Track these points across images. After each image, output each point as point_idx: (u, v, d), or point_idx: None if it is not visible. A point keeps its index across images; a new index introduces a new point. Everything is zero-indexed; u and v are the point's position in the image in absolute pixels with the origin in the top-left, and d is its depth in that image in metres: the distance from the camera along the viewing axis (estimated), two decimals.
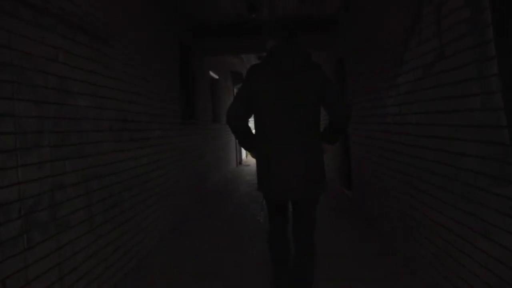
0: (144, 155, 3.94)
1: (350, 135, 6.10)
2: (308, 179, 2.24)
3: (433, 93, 2.81)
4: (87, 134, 2.74)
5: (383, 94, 4.02)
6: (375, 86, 4.36)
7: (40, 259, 2.19)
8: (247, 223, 5.07)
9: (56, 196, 2.37)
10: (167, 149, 4.80)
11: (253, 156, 2.52)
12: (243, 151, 14.60)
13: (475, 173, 2.28)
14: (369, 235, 4.29)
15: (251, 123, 2.40)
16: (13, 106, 2.05)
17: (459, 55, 2.43)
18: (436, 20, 2.69)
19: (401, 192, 3.59)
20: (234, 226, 4.96)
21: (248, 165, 12.80)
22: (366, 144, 4.94)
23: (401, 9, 3.37)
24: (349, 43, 5.73)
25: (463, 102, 2.39)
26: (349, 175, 6.82)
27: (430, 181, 2.92)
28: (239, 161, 13.27)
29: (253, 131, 2.42)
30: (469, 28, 2.30)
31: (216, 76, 9.51)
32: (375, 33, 4.27)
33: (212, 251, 3.97)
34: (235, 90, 13.62)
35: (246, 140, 2.39)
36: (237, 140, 2.44)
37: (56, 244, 2.34)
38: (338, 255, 3.70)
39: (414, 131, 3.20)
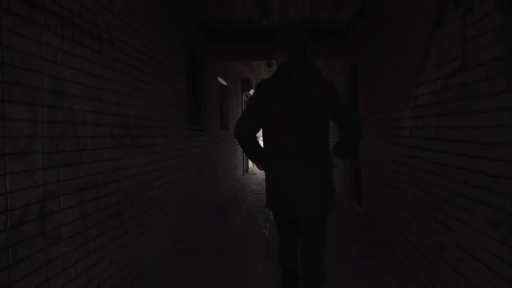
0: (147, 163, 3.77)
1: (361, 146, 5.89)
2: (318, 196, 2.22)
3: (455, 105, 2.61)
4: (84, 140, 2.57)
5: (399, 105, 3.82)
6: (390, 96, 4.16)
7: (26, 276, 2.02)
8: (254, 236, 4.86)
9: (47, 206, 2.20)
10: (172, 156, 4.63)
11: (259, 168, 2.49)
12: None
13: (506, 196, 2.06)
14: (384, 258, 4.07)
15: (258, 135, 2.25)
16: (3, 108, 1.89)
17: (486, 65, 2.23)
18: (460, 27, 2.50)
19: (419, 210, 3.37)
20: (240, 239, 4.75)
21: (254, 174, 12.62)
22: (378, 157, 4.73)
23: (421, 16, 3.18)
24: (363, 51, 5.55)
25: (491, 116, 2.19)
26: (358, 187, 6.59)
27: (453, 201, 2.70)
28: (246, 169, 13.09)
29: (262, 145, 2.40)
30: (498, 36, 2.11)
31: (224, 83, 9.37)
32: (391, 41, 4.08)
33: (216, 266, 3.77)
34: (244, 98, 13.48)
35: (253, 153, 2.37)
36: (244, 153, 2.33)
37: (44, 259, 2.17)
38: (348, 283, 3.48)
39: (434, 146, 2.99)
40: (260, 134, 2.66)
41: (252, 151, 2.34)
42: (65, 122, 2.38)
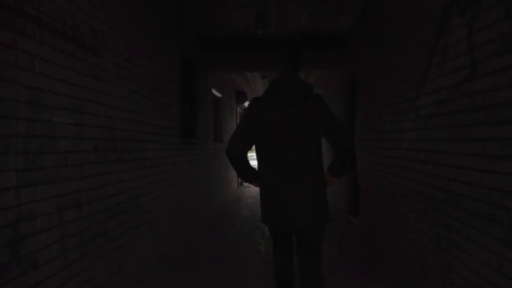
0: (136, 178, 3.58)
1: (359, 159, 5.74)
2: (314, 208, 2.22)
3: (461, 117, 2.47)
4: (65, 156, 2.38)
5: (400, 116, 3.68)
6: (390, 106, 4.02)
7: None
8: (249, 253, 4.65)
9: (22, 229, 2.00)
10: (163, 170, 4.43)
11: (255, 185, 2.47)
12: None
13: None
14: (383, 268, 3.87)
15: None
16: None
17: (496, 74, 2.09)
18: (467, 35, 2.37)
19: (422, 224, 3.20)
20: (235, 256, 4.54)
21: (249, 187, 12.41)
22: (377, 169, 4.57)
23: (424, 22, 3.05)
24: (362, 60, 5.43)
25: (501, 129, 2.04)
26: (355, 200, 6.42)
27: (460, 218, 2.53)
28: (240, 182, 12.88)
29: (255, 162, 2.40)
30: (507, 44, 1.97)
31: (219, 95, 9.22)
32: (392, 49, 3.96)
33: (209, 284, 3.56)
34: (239, 110, 13.35)
35: (245, 171, 2.38)
36: (236, 173, 2.47)
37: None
38: None
39: (437, 159, 2.83)
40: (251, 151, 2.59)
41: (243, 168, 2.35)
42: (43, 136, 2.19)
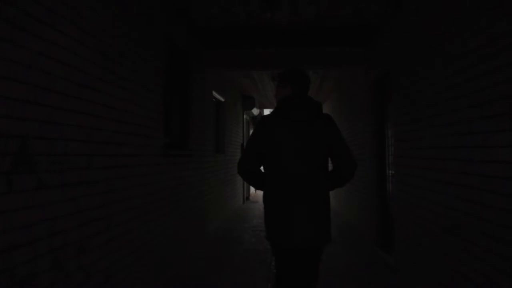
0: (76, 211, 2.38)
1: (394, 181, 4.47)
2: (321, 227, 2.21)
3: None
4: None
5: (479, 125, 2.42)
6: (457, 112, 2.76)
7: None
8: None
9: None
10: (130, 196, 3.21)
11: None
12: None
13: None
14: None
15: None
16: None
17: None
18: None
19: None
20: None
21: (256, 202, 11.25)
22: (434, 202, 3.29)
23: None
24: (400, 54, 4.18)
25: None
26: (386, 230, 5.14)
27: None
28: (246, 196, 11.65)
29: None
30: None
31: (222, 99, 8.03)
32: (459, 28, 2.72)
33: None
34: (246, 117, 12.15)
35: (259, 183, 2.37)
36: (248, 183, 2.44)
37: None
38: None
39: None
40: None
41: (257, 182, 2.37)
42: None
